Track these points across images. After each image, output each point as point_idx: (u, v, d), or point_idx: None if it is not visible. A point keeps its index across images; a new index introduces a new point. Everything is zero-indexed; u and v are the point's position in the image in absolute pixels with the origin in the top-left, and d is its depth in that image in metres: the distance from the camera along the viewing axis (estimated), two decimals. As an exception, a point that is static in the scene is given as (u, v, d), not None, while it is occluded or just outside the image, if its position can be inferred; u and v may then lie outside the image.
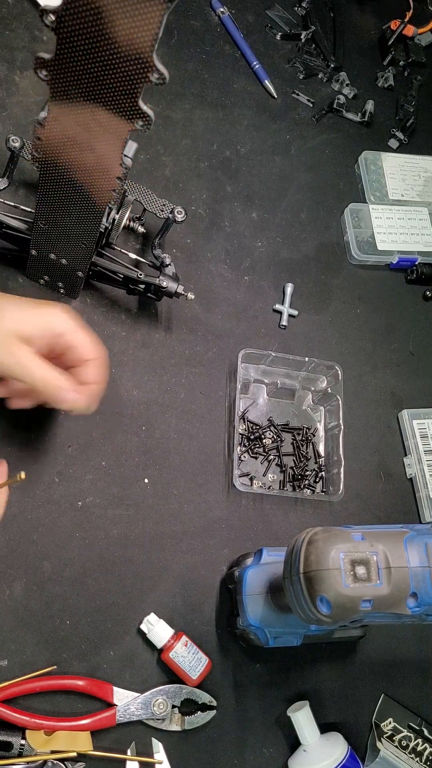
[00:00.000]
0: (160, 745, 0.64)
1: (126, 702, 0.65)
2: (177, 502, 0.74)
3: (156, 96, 0.92)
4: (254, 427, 0.81)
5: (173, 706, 0.66)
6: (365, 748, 0.72)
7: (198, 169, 0.91)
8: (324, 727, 0.69)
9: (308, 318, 0.90)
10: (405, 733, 0.73)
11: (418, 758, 0.72)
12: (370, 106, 1.05)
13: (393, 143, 1.06)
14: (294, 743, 0.69)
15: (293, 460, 0.82)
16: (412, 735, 0.73)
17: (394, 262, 0.96)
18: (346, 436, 0.85)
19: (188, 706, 0.67)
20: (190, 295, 0.76)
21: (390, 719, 0.74)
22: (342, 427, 0.81)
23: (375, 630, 0.76)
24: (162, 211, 0.77)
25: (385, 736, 0.73)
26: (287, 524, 0.78)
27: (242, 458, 0.80)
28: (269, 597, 0.64)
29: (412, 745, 0.73)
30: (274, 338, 0.86)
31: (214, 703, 0.68)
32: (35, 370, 0.57)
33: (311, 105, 1.02)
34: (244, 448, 0.80)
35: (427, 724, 0.74)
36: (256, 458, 0.80)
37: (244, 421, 0.81)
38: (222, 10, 1.00)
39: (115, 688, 0.65)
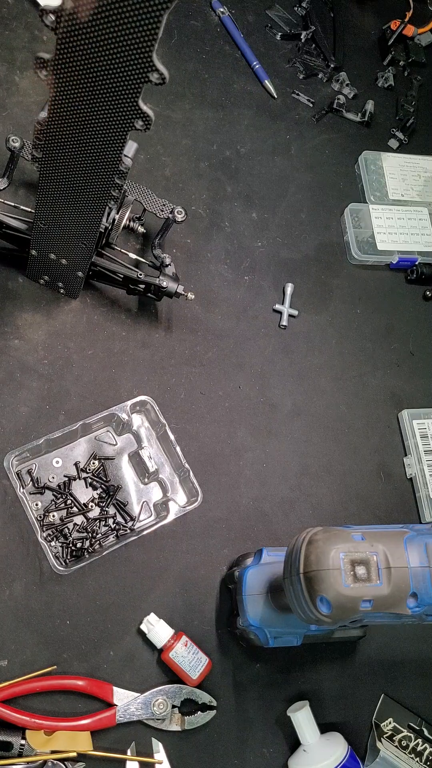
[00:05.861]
0: (160, 745, 0.64)
1: (126, 702, 0.65)
2: (177, 502, 0.74)
3: (156, 96, 0.92)
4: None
5: (173, 706, 0.66)
6: (365, 748, 0.72)
7: (198, 169, 0.91)
8: (324, 727, 0.69)
9: (308, 318, 0.90)
10: (405, 733, 0.73)
11: (418, 758, 0.72)
12: (370, 106, 1.05)
13: (393, 143, 1.06)
14: (294, 743, 0.69)
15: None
16: (412, 735, 0.73)
17: (394, 262, 0.96)
18: (346, 436, 0.85)
19: (188, 706, 0.67)
20: (190, 295, 0.76)
21: (390, 719, 0.74)
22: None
23: (375, 630, 0.76)
24: (162, 211, 0.77)
25: (385, 736, 0.73)
26: (287, 524, 0.78)
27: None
28: (269, 597, 0.64)
29: (412, 745, 0.73)
30: (274, 338, 0.86)
31: (214, 703, 0.68)
32: None
33: (311, 105, 1.02)
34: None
35: (427, 724, 0.74)
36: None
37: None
38: (222, 10, 1.00)
39: (115, 688, 0.65)
